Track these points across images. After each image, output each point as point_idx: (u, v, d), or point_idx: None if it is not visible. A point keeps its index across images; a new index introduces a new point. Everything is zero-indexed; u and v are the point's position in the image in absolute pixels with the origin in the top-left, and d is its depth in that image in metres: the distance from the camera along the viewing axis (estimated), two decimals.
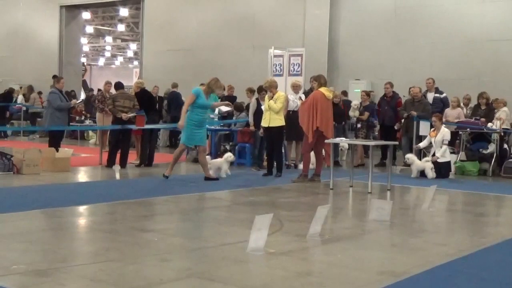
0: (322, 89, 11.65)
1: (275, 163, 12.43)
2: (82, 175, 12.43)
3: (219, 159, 12.22)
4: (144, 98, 13.96)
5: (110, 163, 12.90)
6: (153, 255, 5.64)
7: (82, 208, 8.33)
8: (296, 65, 16.86)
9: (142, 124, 13.56)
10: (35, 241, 6.20)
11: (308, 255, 6.14)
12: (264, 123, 12.37)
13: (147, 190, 10.34)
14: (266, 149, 13.09)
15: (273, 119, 12.16)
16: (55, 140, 13.41)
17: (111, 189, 10.53)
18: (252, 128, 13.97)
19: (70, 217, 7.83)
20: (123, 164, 13.06)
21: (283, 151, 13.12)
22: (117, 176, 11.68)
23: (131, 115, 13.16)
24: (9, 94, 24.67)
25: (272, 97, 12.14)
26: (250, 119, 14.01)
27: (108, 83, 16.85)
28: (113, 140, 13.54)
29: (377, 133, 16.20)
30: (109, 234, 6.79)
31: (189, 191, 10.18)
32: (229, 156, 12.11)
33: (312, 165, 12.20)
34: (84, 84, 31.36)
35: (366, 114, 15.36)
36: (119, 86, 14.02)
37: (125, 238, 6.60)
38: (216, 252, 5.89)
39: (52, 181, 10.75)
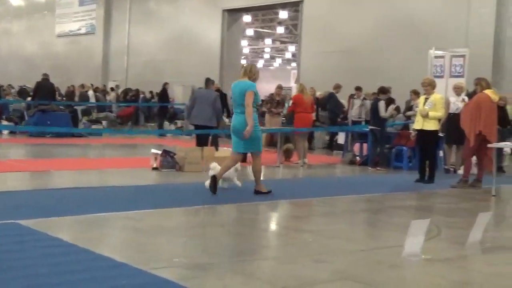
0: (488, 91, 11.04)
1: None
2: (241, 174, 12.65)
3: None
4: None
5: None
6: (307, 256, 5.67)
7: (239, 206, 8.50)
8: (458, 66, 16.16)
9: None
10: (195, 236, 6.46)
11: (468, 264, 5.89)
12: (417, 125, 11.62)
13: (299, 190, 10.41)
14: (419, 153, 12.50)
15: (426, 121, 11.41)
16: (206, 141, 13.65)
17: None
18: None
19: (229, 214, 8.06)
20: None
21: (441, 155, 12.58)
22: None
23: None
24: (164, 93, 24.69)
25: (427, 98, 11.54)
26: None
27: (279, 87, 16.98)
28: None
29: None
30: (266, 232, 6.92)
31: (343, 193, 10.10)
32: None
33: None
34: None
35: None
36: None
37: (280, 237, 6.69)
38: (370, 256, 5.80)
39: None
